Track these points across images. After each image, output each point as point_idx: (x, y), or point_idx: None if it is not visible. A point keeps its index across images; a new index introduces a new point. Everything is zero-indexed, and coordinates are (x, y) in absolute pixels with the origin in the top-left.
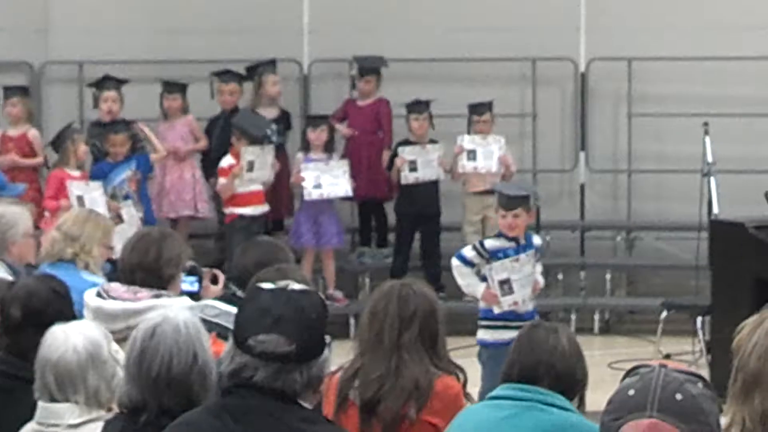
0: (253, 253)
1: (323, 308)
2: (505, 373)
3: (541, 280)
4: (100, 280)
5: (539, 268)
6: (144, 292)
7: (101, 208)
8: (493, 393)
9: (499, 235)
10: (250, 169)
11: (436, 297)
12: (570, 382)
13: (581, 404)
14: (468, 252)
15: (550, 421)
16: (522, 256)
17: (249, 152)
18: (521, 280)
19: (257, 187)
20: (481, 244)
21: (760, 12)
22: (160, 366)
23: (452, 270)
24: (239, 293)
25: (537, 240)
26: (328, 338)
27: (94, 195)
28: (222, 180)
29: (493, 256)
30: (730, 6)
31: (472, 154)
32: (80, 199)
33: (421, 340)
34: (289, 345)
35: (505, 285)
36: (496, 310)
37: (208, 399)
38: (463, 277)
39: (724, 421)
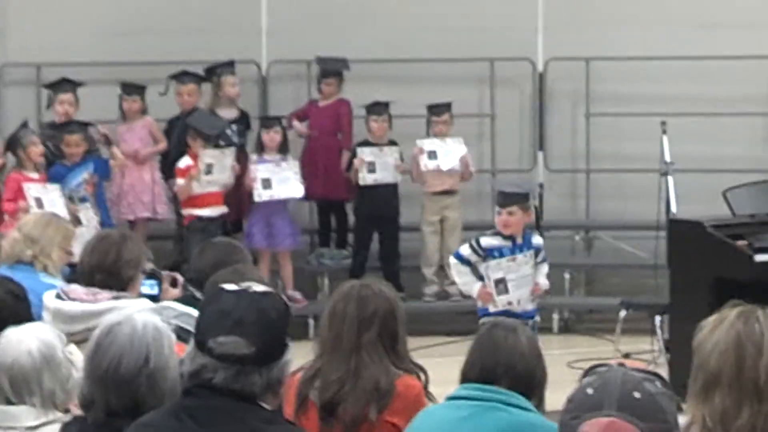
0: (209, 254)
1: (285, 311)
2: (465, 373)
3: (542, 282)
4: (58, 282)
5: (545, 269)
6: (103, 294)
7: (60, 210)
8: (453, 393)
9: (496, 233)
10: (209, 172)
11: (397, 297)
12: (529, 382)
13: (541, 404)
14: (464, 250)
15: (509, 421)
16: (519, 256)
17: (207, 155)
18: (517, 280)
19: (215, 189)
20: (477, 242)
21: (717, 11)
22: (110, 364)
23: (450, 269)
24: (198, 295)
25: (537, 240)
26: (288, 341)
27: (52, 197)
28: (179, 181)
29: (489, 254)
30: (687, 6)
31: (432, 155)
32: (38, 201)
33: (381, 341)
34: (248, 347)
35: (501, 284)
36: (492, 309)
37: (158, 405)
38: (460, 275)
39: (684, 420)
